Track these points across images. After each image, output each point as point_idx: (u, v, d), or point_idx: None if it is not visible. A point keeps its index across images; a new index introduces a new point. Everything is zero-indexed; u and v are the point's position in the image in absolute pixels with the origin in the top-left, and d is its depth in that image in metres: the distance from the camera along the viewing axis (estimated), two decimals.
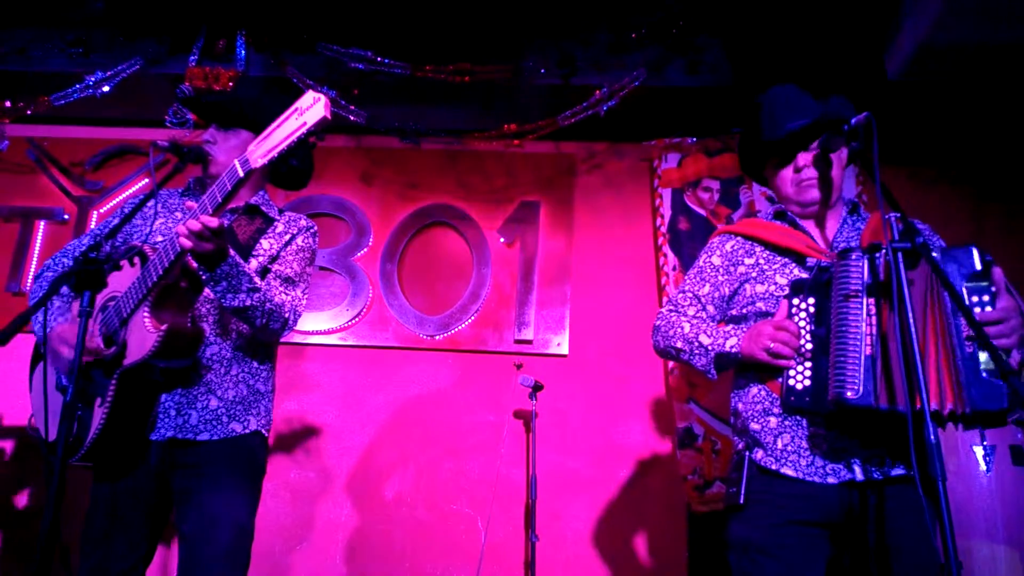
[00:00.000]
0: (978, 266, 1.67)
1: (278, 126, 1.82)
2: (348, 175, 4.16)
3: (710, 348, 1.96)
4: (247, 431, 2.13)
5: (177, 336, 1.95)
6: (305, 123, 1.77)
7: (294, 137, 1.79)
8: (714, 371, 1.98)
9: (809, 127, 1.97)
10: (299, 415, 3.83)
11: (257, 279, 2.04)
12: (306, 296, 2.27)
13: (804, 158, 2.02)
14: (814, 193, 2.01)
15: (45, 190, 4.15)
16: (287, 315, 2.13)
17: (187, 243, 1.84)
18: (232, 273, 1.96)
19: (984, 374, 1.61)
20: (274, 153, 1.81)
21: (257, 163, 1.84)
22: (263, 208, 2.29)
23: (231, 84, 3.38)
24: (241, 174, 1.85)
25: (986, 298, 1.67)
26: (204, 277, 1.95)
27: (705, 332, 1.99)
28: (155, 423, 2.04)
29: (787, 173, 2.06)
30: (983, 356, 1.63)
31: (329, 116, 1.78)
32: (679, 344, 2.04)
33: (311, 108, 1.77)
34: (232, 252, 1.97)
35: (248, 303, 2.00)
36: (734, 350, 1.91)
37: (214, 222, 1.83)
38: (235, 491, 2.08)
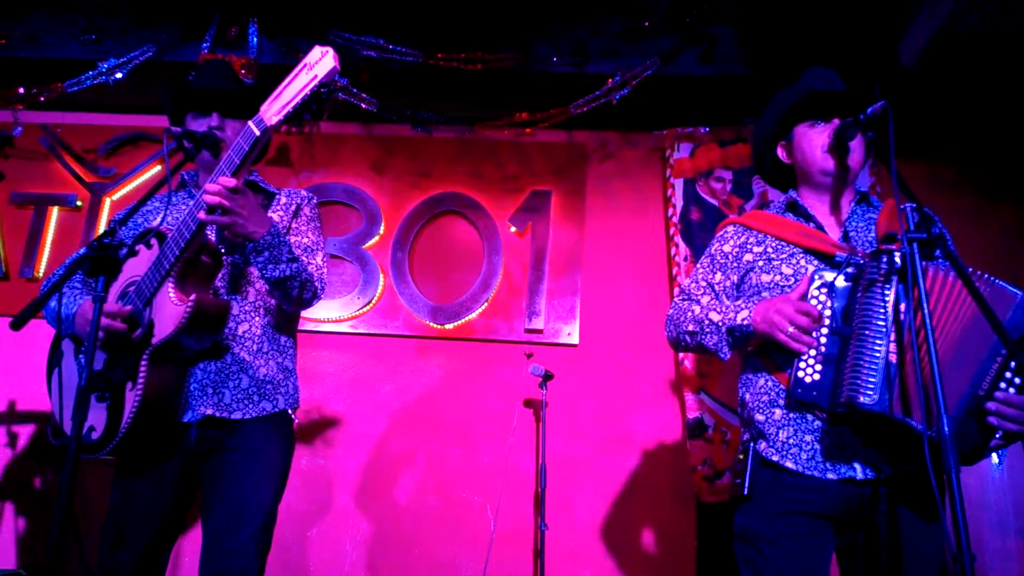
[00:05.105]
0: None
1: (289, 83, 1.83)
2: (359, 163, 4.15)
3: (721, 324, 1.93)
4: (276, 410, 2.14)
5: (205, 307, 1.93)
6: (316, 76, 1.79)
7: (307, 90, 1.80)
8: (726, 349, 1.94)
9: (858, 95, 1.94)
10: (309, 403, 3.84)
11: (295, 248, 2.04)
12: (326, 264, 2.27)
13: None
14: (850, 162, 1.98)
15: (58, 176, 4.16)
16: (317, 284, 2.15)
17: (212, 200, 1.83)
18: (274, 243, 1.96)
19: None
20: (289, 108, 1.82)
21: (272, 120, 1.84)
22: (261, 184, 2.30)
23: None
24: (257, 133, 1.85)
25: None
26: (248, 247, 1.95)
27: (715, 310, 1.97)
28: (188, 402, 2.02)
29: (820, 138, 2.00)
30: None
31: (339, 66, 1.80)
32: (690, 327, 2.01)
33: (320, 61, 1.79)
34: (273, 222, 1.97)
35: (288, 273, 2.00)
36: (745, 322, 1.88)
37: (231, 181, 1.85)
38: (263, 475, 2.09)
